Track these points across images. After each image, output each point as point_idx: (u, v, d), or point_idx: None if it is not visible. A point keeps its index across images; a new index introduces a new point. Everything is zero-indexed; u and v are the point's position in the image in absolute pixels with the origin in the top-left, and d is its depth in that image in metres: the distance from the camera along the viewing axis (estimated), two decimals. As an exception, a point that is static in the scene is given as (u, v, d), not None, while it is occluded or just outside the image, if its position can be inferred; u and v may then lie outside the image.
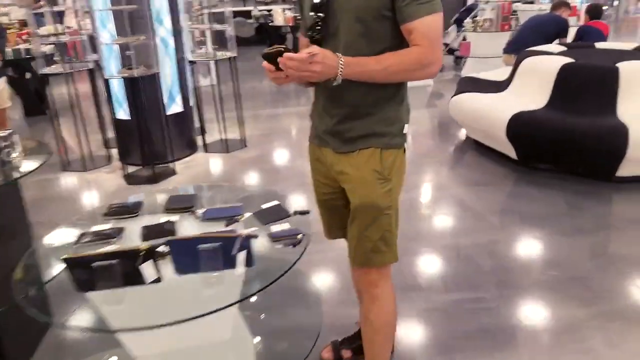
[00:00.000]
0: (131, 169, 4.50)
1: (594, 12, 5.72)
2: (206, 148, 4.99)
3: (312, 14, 1.46)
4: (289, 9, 11.23)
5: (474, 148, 4.66)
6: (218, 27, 4.86)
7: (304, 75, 1.32)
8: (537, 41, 5.19)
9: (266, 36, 10.82)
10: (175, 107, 4.69)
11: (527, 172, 3.99)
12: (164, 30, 4.46)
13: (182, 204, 1.99)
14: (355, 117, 1.51)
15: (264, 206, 1.95)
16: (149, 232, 1.71)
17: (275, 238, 1.66)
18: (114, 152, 4.86)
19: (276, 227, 1.75)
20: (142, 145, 4.43)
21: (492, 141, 4.34)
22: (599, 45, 4.92)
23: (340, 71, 1.34)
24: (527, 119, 3.89)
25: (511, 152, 4.07)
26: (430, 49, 1.35)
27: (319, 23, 1.44)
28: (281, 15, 9.30)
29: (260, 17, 11.00)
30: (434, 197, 3.73)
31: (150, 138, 4.44)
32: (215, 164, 4.70)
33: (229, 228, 1.75)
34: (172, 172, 4.43)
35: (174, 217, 1.88)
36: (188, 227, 1.78)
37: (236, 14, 12.39)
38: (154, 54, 4.28)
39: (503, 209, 3.53)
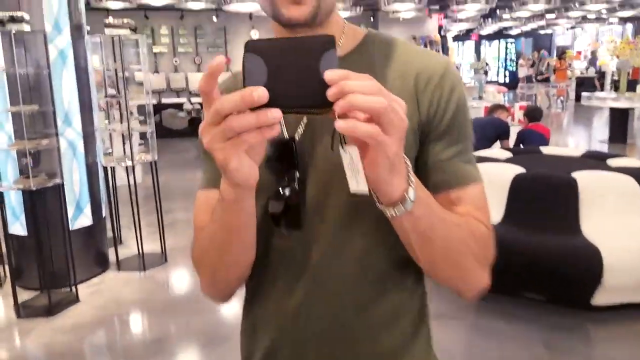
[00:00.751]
0: (27, 295, 3.70)
1: (533, 114, 5.67)
2: (119, 265, 4.26)
3: (268, 164, 0.71)
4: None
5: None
6: (139, 128, 4.32)
7: (386, 118, 0.55)
8: (478, 145, 5.01)
9: (198, 128, 10.36)
10: (82, 219, 4.00)
11: (491, 299, 3.51)
12: (72, 132, 3.86)
13: None
14: None
15: None
16: None
17: None
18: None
19: None
20: (40, 267, 3.67)
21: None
22: (545, 150, 4.77)
23: (411, 182, 0.63)
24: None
25: (469, 272, 3.64)
26: (492, 234, 0.80)
27: (288, 186, 0.72)
28: (215, 109, 8.91)
29: (192, 111, 10.63)
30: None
31: (49, 258, 3.71)
32: (128, 287, 3.97)
33: None
34: (75, 299, 3.67)
35: None
36: None
37: (168, 105, 12.02)
38: (58, 160, 3.64)
39: (475, 354, 3.00)
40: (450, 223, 0.72)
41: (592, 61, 19.78)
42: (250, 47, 0.56)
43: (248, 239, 0.74)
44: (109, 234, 4.47)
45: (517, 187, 3.71)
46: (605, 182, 3.64)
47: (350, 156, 0.63)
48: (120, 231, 4.76)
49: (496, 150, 4.90)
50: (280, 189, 0.72)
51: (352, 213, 0.76)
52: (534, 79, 16.40)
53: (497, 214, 3.71)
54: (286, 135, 0.77)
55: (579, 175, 3.62)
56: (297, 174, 0.73)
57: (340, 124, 0.54)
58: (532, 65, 17.56)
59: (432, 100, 0.78)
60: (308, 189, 0.76)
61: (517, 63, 21.00)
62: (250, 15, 13.26)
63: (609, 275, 3.08)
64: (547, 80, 15.56)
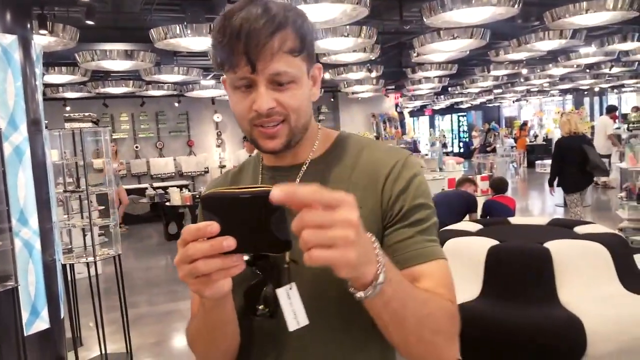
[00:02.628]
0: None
1: (499, 186, 5.79)
2: (79, 371, 3.93)
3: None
4: (186, 187, 10.87)
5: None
6: (100, 222, 4.15)
7: (327, 242, 0.60)
8: (448, 218, 5.04)
9: (161, 214, 10.22)
10: (39, 323, 3.70)
11: (475, 376, 3.41)
12: (28, 231, 3.65)
13: None
14: None
15: None
16: None
17: None
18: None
19: None
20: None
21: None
22: (512, 220, 4.82)
23: (382, 268, 0.68)
24: (466, 315, 3.39)
25: (452, 352, 3.51)
26: (456, 310, 0.91)
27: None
28: (178, 195, 8.79)
29: (154, 196, 10.44)
30: None
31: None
32: (90, 396, 3.64)
33: None
34: (26, 416, 3.31)
35: None
36: None
37: (129, 191, 11.79)
38: (13, 263, 3.41)
39: None
40: (420, 300, 0.80)
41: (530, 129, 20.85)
42: (204, 204, 0.69)
43: (230, 331, 0.87)
44: (68, 334, 4.15)
45: (493, 260, 3.68)
46: (577, 251, 3.67)
47: (286, 294, 0.74)
48: (80, 331, 4.44)
49: (465, 222, 4.92)
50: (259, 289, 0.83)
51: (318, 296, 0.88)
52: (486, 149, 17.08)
53: (475, 288, 3.65)
54: None
55: (551, 245, 3.63)
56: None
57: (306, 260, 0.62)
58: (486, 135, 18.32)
59: (393, 190, 0.91)
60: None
61: (470, 135, 21.89)
62: (213, 100, 13.47)
63: (592, 344, 3.03)
64: (494, 150, 16.23)
